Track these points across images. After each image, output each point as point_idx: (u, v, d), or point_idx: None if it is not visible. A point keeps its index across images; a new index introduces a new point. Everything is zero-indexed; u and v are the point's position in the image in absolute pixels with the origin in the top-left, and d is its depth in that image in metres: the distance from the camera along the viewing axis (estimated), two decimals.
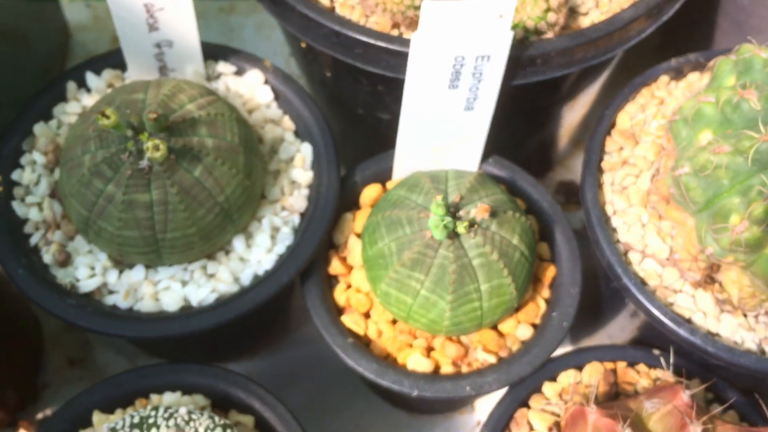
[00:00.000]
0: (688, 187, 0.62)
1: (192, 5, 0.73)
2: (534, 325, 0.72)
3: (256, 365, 0.93)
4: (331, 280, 0.75)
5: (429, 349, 0.72)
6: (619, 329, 0.80)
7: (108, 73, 0.80)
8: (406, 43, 0.70)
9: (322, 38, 0.74)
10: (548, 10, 0.70)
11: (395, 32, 0.76)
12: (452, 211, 0.67)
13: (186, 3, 0.72)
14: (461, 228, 0.64)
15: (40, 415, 0.88)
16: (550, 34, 0.72)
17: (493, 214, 0.67)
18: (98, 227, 0.67)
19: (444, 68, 0.67)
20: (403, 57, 0.70)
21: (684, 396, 0.59)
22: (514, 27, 0.70)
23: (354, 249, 0.75)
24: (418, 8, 0.72)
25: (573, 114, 0.95)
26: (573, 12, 0.77)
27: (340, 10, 0.78)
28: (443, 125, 0.73)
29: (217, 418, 0.63)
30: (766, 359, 0.65)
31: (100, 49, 1.20)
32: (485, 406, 0.90)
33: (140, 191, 0.65)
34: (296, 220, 0.74)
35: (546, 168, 1.07)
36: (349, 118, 0.91)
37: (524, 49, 0.71)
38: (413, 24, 0.75)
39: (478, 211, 0.65)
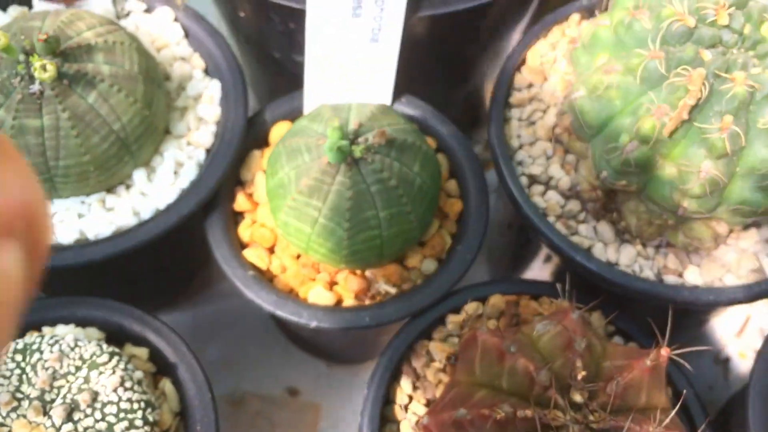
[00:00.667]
0: (582, 110, 0.62)
1: None
2: (440, 260, 0.72)
3: (175, 318, 0.91)
4: (237, 217, 0.74)
5: (332, 284, 0.71)
6: (527, 267, 0.80)
7: (14, 10, 0.78)
8: None
9: None
10: None
11: None
12: (351, 138, 0.66)
13: None
14: (357, 151, 0.64)
15: None
16: None
17: (393, 141, 0.66)
18: None
19: None
20: None
21: (573, 316, 0.59)
22: None
23: (260, 185, 0.74)
24: None
25: (493, 64, 0.94)
26: None
27: None
28: (350, 57, 0.72)
29: (105, 346, 0.62)
30: (660, 284, 0.65)
31: None
32: None
33: (31, 116, 0.64)
34: (201, 155, 0.73)
35: (476, 124, 1.06)
36: (269, 64, 0.90)
37: None
38: None
39: (374, 135, 0.64)
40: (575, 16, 0.78)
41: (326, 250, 0.67)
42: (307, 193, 0.65)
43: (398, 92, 0.77)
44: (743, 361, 0.93)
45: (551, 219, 0.69)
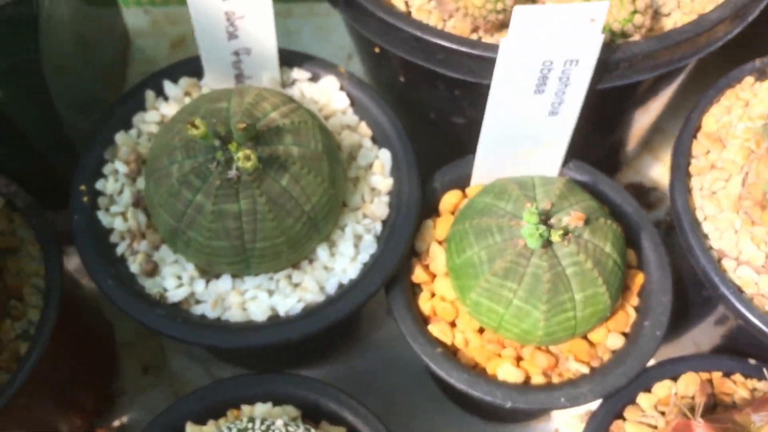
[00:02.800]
0: None
1: (272, 13, 0.72)
2: (624, 334, 0.71)
3: (330, 371, 0.93)
4: (414, 289, 0.75)
5: (518, 359, 0.71)
6: (704, 336, 0.79)
7: (184, 81, 0.80)
8: (489, 48, 0.69)
9: (402, 43, 0.73)
10: (635, 12, 0.69)
11: (474, 36, 0.75)
12: (543, 218, 0.65)
13: (266, 11, 0.71)
14: (555, 236, 0.63)
15: (116, 423, 0.89)
16: (636, 37, 0.70)
17: (586, 221, 0.65)
18: (187, 237, 0.67)
19: (531, 73, 0.66)
20: (485, 62, 0.69)
21: None
22: (602, 30, 0.69)
23: (436, 256, 0.74)
24: (500, 12, 0.71)
25: (645, 118, 0.93)
26: (656, 13, 0.75)
27: (416, 14, 0.77)
28: (526, 130, 0.72)
29: (313, 430, 0.62)
30: None
31: (158, 54, 1.21)
32: (560, 414, 0.88)
33: (229, 201, 0.65)
34: (378, 227, 0.74)
35: (614, 170, 1.05)
36: (419, 123, 0.90)
37: (610, 52, 0.69)
38: (493, 28, 0.74)
39: (571, 219, 0.64)
40: (749, 79, 0.77)
41: (520, 330, 0.66)
42: (502, 275, 0.65)
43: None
44: None
45: (746, 296, 0.67)
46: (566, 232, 0.64)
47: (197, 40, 0.74)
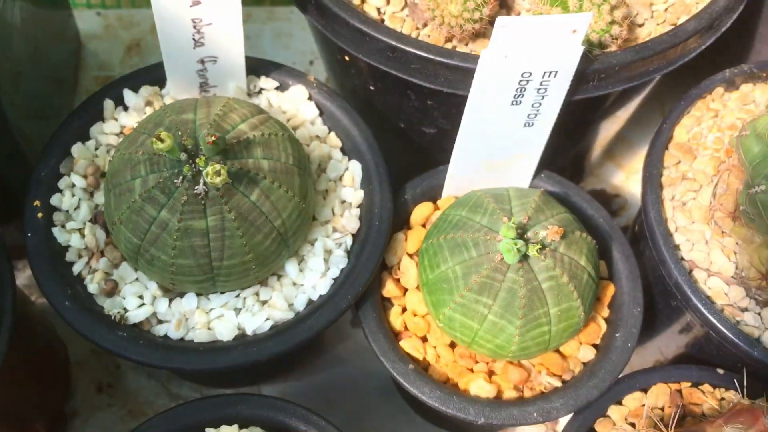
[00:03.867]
0: (765, 206, 0.61)
1: (240, 19, 0.69)
2: (595, 346, 0.71)
3: (294, 387, 0.90)
4: (385, 303, 0.73)
5: (490, 373, 0.70)
6: (669, 344, 0.79)
7: (145, 90, 0.77)
8: (467, 58, 0.68)
9: (375, 52, 0.71)
10: (613, 22, 0.69)
11: (449, 45, 0.74)
12: (519, 232, 0.64)
13: (235, 18, 0.69)
14: (533, 251, 0.62)
15: None
16: (613, 48, 0.70)
17: (564, 235, 0.65)
18: (150, 255, 0.64)
19: (510, 85, 0.65)
20: (461, 72, 0.68)
21: (765, 421, 0.58)
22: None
23: (408, 270, 0.72)
24: (476, 21, 0.70)
25: (611, 128, 0.93)
26: (631, 23, 0.75)
27: (389, 22, 0.75)
28: (501, 142, 0.71)
29: None
30: None
31: (112, 59, 1.16)
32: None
33: (196, 218, 0.62)
34: (349, 241, 0.72)
35: (578, 178, 1.05)
36: (387, 132, 0.88)
37: (588, 63, 0.69)
38: (468, 37, 0.73)
39: (549, 233, 0.63)
40: (719, 89, 0.77)
41: (494, 346, 0.65)
42: (477, 290, 0.64)
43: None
44: None
45: (717, 307, 0.67)
46: (543, 247, 0.63)
47: (161, 48, 0.71)
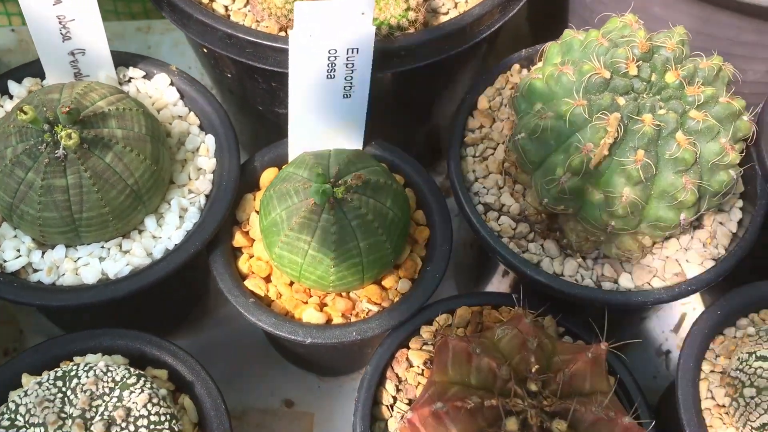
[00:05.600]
0: (524, 150, 0.75)
1: (99, 15, 0.82)
2: (413, 280, 0.84)
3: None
4: (236, 253, 0.86)
5: (322, 305, 0.82)
6: (498, 282, 0.92)
7: (28, 81, 0.89)
8: (285, 40, 0.82)
9: (218, 41, 0.85)
10: (408, 9, 0.83)
11: (282, 34, 0.87)
12: (332, 181, 0.78)
13: (94, 13, 0.82)
14: (339, 193, 0.75)
15: None
16: (411, 30, 0.84)
17: (368, 182, 0.78)
18: (21, 211, 0.76)
19: (320, 60, 0.78)
20: (286, 53, 0.81)
21: (526, 321, 0.71)
22: (379, 24, 0.82)
23: (255, 224, 0.85)
24: None
25: (455, 104, 1.07)
26: (435, 12, 0.90)
27: (234, 17, 0.89)
28: (326, 112, 0.84)
29: (132, 370, 0.72)
30: (598, 290, 0.78)
31: (12, 61, 1.29)
32: None
33: (57, 177, 0.75)
34: (202, 200, 0.84)
35: (437, 156, 1.19)
36: (252, 114, 1.01)
37: (390, 43, 0.83)
38: None
39: (352, 178, 0.76)
40: (516, 66, 0.92)
41: (316, 277, 0.78)
42: (298, 230, 0.77)
43: (369, 137, 0.89)
44: None
45: (505, 240, 0.81)
46: (348, 190, 0.76)
47: (35, 42, 0.84)
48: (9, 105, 0.88)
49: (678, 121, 0.70)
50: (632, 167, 0.69)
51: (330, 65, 0.79)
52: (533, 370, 0.67)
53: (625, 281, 0.79)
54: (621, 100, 0.71)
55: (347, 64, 0.79)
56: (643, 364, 1.04)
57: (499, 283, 0.94)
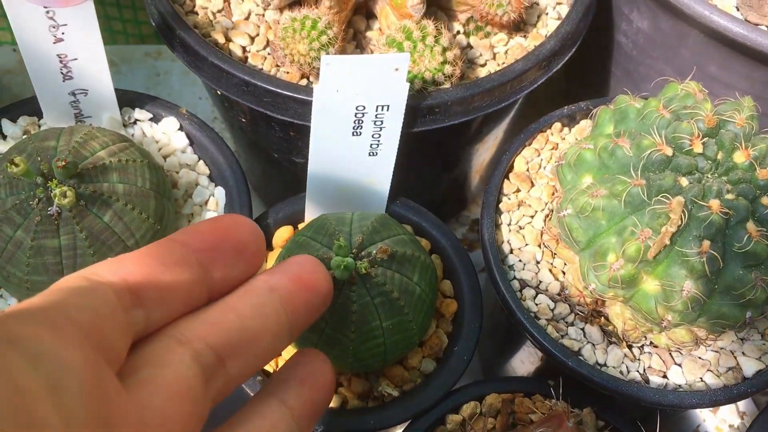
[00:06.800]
0: (570, 228, 0.67)
1: (104, 55, 0.75)
2: (438, 359, 0.76)
3: None
4: None
5: (337, 385, 0.74)
6: (523, 361, 0.84)
7: (24, 120, 0.82)
8: (309, 92, 0.74)
9: (234, 87, 0.77)
10: (445, 62, 0.75)
11: (304, 82, 0.80)
12: (354, 251, 0.70)
13: (99, 53, 0.74)
14: (362, 268, 0.68)
15: None
16: (447, 85, 0.76)
17: (394, 254, 0.70)
18: (7, 273, 0.68)
19: (346, 117, 0.71)
20: (309, 105, 0.74)
21: (568, 424, 0.63)
22: (413, 78, 0.75)
23: None
24: None
25: (484, 154, 1.00)
26: (472, 63, 0.82)
27: (252, 60, 0.81)
28: (349, 170, 0.77)
29: None
30: (647, 388, 0.70)
31: (25, 93, 1.21)
32: None
33: (49, 237, 0.67)
34: None
35: (461, 207, 1.11)
36: (267, 162, 0.94)
37: (423, 98, 0.75)
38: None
39: (377, 251, 0.69)
40: (557, 125, 0.84)
41: (332, 357, 0.70)
42: None
43: (392, 190, 0.81)
44: None
45: (542, 322, 0.73)
46: (373, 264, 0.68)
47: (32, 81, 0.77)
48: (2, 146, 0.80)
49: (748, 208, 0.62)
50: (696, 259, 0.61)
51: (357, 122, 0.72)
52: None
53: (676, 375, 0.71)
54: (684, 181, 0.64)
55: (375, 122, 0.72)
56: None
57: (530, 365, 0.86)
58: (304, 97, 0.74)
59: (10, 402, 0.28)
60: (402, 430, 0.72)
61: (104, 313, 0.38)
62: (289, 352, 0.75)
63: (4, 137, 0.81)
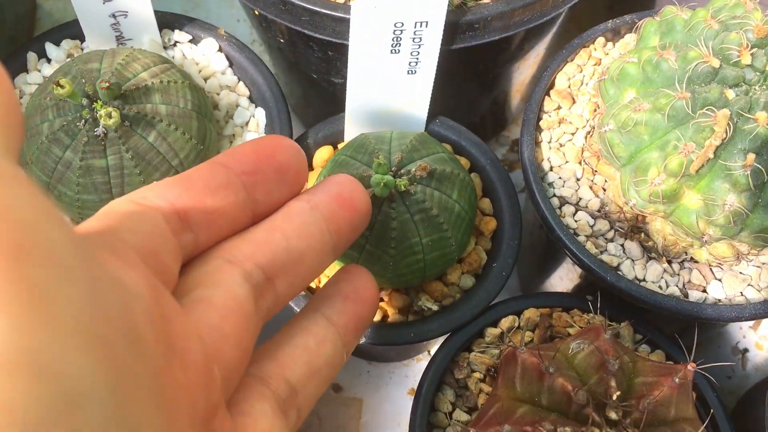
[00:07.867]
0: (611, 143, 0.67)
1: None
2: (476, 275, 0.77)
3: None
4: None
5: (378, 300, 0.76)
6: (561, 278, 0.85)
7: (67, 44, 0.83)
8: (349, 10, 0.73)
9: (272, 6, 0.77)
10: None
11: (342, 0, 0.79)
12: (394, 169, 0.70)
13: None
14: (401, 185, 0.68)
15: None
16: (487, 0, 0.75)
17: (433, 171, 0.70)
18: (58, 192, 0.71)
19: (384, 34, 0.70)
20: (347, 23, 0.73)
21: (605, 336, 0.64)
22: None
23: None
24: None
25: (524, 72, 0.98)
26: None
27: None
28: (388, 89, 0.77)
29: None
30: (685, 302, 0.70)
31: (66, 18, 1.22)
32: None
33: (96, 157, 0.69)
34: None
35: (501, 127, 1.10)
36: (306, 83, 0.94)
37: (463, 14, 0.74)
38: None
39: (417, 169, 0.69)
40: (601, 39, 0.82)
41: (373, 273, 0.71)
42: None
43: (431, 110, 0.81)
44: (760, 352, 0.99)
45: (581, 238, 0.73)
46: (412, 182, 0.69)
47: (73, 3, 0.77)
48: (47, 69, 0.82)
49: None
50: (740, 173, 0.60)
51: (395, 39, 0.71)
52: (614, 396, 0.60)
53: (715, 290, 0.72)
54: (730, 94, 0.62)
55: (414, 39, 0.71)
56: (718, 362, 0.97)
57: (569, 282, 0.87)
58: (343, 15, 0.73)
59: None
60: (442, 341, 0.74)
61: (156, 236, 0.39)
62: (331, 269, 0.76)
63: (49, 60, 0.82)
